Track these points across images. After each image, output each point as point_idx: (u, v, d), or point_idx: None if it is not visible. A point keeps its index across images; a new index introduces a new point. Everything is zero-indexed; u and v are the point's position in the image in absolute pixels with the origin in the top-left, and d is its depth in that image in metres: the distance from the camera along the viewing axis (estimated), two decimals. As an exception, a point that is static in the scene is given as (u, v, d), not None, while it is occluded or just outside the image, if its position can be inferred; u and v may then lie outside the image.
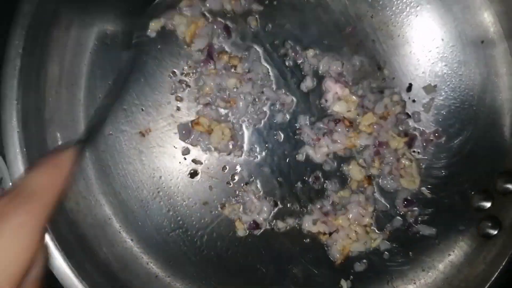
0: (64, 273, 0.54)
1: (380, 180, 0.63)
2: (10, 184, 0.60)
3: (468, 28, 0.63)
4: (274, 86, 0.63)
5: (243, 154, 0.63)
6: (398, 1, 0.63)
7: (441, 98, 0.63)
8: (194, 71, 0.63)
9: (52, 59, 0.60)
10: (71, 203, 0.61)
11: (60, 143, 0.61)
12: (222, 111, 0.63)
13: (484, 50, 0.63)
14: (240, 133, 0.63)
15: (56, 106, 0.61)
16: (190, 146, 0.64)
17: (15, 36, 0.54)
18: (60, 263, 0.54)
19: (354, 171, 0.63)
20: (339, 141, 0.62)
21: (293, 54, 0.63)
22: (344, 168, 0.63)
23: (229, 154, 0.63)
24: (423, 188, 0.63)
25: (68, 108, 0.63)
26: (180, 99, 0.64)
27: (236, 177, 0.64)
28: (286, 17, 0.63)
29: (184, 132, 0.63)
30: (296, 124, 0.63)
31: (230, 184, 0.64)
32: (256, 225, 0.63)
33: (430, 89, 0.63)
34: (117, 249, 0.63)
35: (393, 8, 0.63)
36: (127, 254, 0.63)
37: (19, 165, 0.54)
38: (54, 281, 0.54)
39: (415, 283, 0.63)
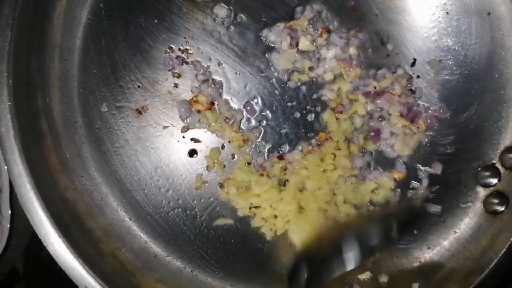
0: (59, 252, 0.53)
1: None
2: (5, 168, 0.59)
3: (474, 0, 0.61)
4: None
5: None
6: (402, -27, 0.61)
7: (446, 73, 0.62)
8: (193, 45, 0.62)
9: (45, 33, 0.58)
10: (66, 181, 0.59)
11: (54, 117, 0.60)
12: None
13: (491, 23, 0.61)
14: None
15: (50, 81, 0.60)
16: (189, 125, 0.62)
17: (5, 5, 0.52)
18: (55, 241, 0.53)
19: None
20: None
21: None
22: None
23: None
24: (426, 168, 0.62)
25: (62, 84, 0.61)
26: (177, 76, 0.62)
27: (236, 156, 0.62)
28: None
29: (183, 110, 0.62)
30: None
31: (230, 163, 0.62)
32: (257, 204, 0.62)
33: (435, 64, 0.62)
34: (114, 228, 0.62)
35: (397, -20, 0.61)
36: (125, 233, 0.62)
37: (11, 141, 0.53)
38: (50, 258, 0.53)
39: (420, 261, 0.62)
